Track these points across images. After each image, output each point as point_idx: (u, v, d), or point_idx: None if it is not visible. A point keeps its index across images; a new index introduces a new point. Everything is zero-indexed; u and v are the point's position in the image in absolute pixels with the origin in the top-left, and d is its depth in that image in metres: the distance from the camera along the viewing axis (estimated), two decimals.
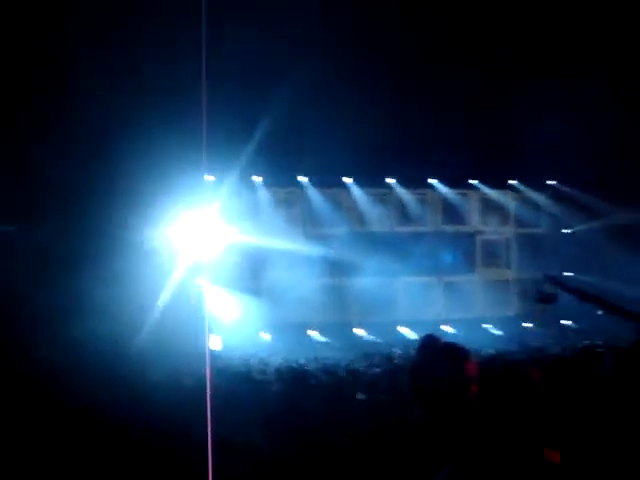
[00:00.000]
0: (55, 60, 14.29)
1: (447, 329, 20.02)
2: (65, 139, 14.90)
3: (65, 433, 6.69)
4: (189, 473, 5.45)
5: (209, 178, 19.10)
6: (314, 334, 20.21)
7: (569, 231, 23.70)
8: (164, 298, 15.93)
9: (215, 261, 18.92)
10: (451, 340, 3.25)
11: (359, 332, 20.71)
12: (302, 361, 13.92)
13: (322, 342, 19.34)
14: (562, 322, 21.95)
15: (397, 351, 15.29)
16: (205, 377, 11.15)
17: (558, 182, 23.56)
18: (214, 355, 16.61)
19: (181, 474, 5.60)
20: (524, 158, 20.68)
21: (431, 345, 3.03)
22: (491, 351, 13.97)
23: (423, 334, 3.40)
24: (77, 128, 14.90)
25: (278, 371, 12.71)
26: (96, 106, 14.42)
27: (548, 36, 17.60)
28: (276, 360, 14.98)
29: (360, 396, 8.71)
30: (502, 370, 2.80)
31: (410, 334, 20.35)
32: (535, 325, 21.59)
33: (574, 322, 21.01)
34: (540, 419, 2.61)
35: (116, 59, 14.77)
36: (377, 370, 11.88)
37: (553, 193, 23.98)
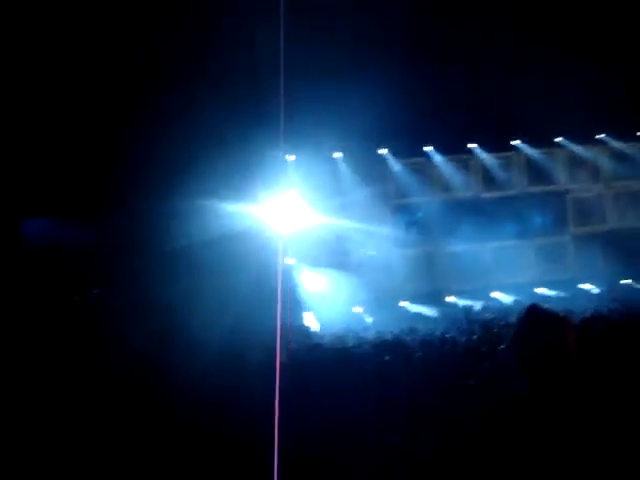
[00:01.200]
0: (149, 52, 14.62)
1: (543, 291, 19.66)
2: (157, 125, 15.24)
3: (166, 421, 6.80)
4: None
5: (290, 158, 19.26)
6: (406, 305, 20.18)
7: None
8: (254, 278, 16.21)
9: (303, 239, 19.10)
10: (552, 307, 3.18)
11: (452, 300, 20.57)
12: (397, 333, 13.91)
13: (415, 312, 19.29)
14: None
15: (492, 316, 15.13)
16: (300, 353, 11.35)
17: None
18: (311, 332, 16.85)
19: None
20: (609, 112, 19.96)
21: (534, 315, 2.98)
22: (592, 313, 13.66)
23: (527, 304, 3.33)
24: (165, 114, 15.21)
25: (374, 345, 12.77)
26: (181, 90, 14.71)
27: None
28: (371, 333, 15.06)
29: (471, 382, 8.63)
30: (605, 334, 2.77)
31: (504, 298, 20.10)
32: (635, 281, 20.93)
33: None
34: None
35: (199, 46, 15.00)
36: (474, 337, 11.79)
37: None
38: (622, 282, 21.00)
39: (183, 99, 14.68)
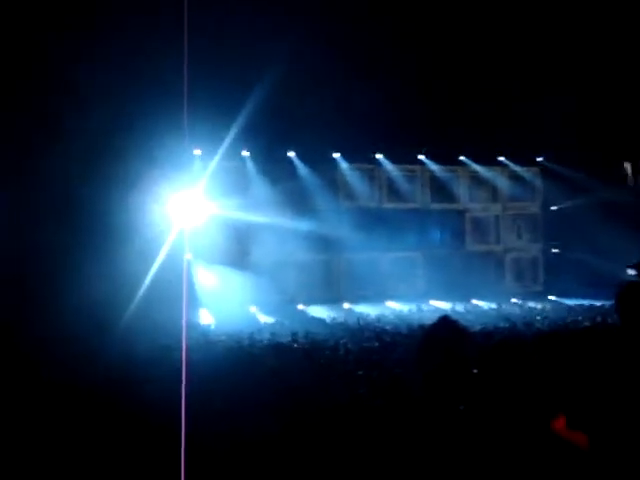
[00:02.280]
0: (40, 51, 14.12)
1: (438, 304, 20.14)
2: (52, 124, 14.76)
3: (53, 407, 6.68)
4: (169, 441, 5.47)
5: (196, 152, 19.00)
6: (304, 308, 20.22)
7: (556, 207, 23.80)
8: (152, 273, 15.90)
9: (202, 236, 18.85)
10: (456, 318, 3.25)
11: (348, 307, 20.76)
12: (291, 336, 13.91)
13: (312, 316, 19.34)
14: (551, 298, 22.21)
15: (386, 328, 15.35)
16: (193, 351, 11.19)
17: (546, 159, 23.63)
18: (205, 329, 16.63)
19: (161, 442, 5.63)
20: (513, 135, 20.69)
21: (446, 326, 3.02)
22: (484, 326, 14.10)
23: (422, 314, 3.39)
24: (62, 111, 14.73)
25: (268, 346, 12.74)
26: (79, 88, 14.26)
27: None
28: (265, 335, 15.00)
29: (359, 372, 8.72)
30: (501, 345, 2.82)
31: (399, 307, 20.47)
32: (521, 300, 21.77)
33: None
34: (537, 391, 2.63)
35: (98, 40, 14.57)
36: (367, 345, 11.94)
37: (541, 170, 24.07)
38: (512, 300, 21.77)
39: (86, 90, 14.24)
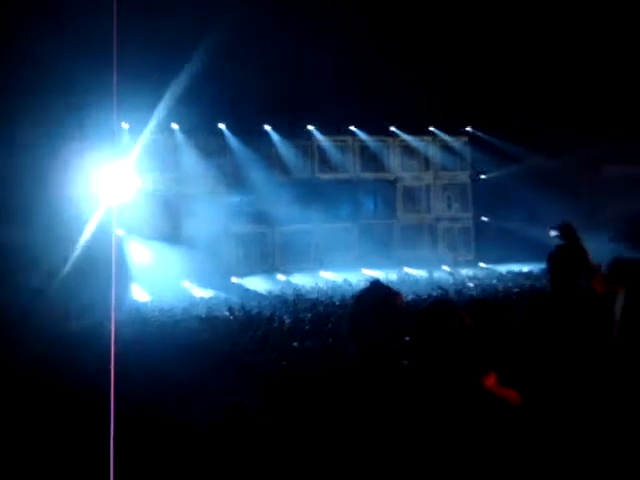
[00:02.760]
0: None
1: (371, 273, 20.34)
2: None
3: None
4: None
5: (124, 126, 18.60)
6: (238, 281, 20.18)
7: (485, 176, 24.25)
8: (79, 252, 15.58)
9: (133, 211, 18.54)
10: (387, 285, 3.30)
11: (282, 278, 20.81)
12: (227, 310, 13.86)
13: (247, 289, 19.31)
14: (483, 265, 22.72)
15: (320, 298, 15.44)
16: (125, 327, 11.05)
17: (474, 129, 24.00)
18: (139, 305, 16.44)
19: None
20: (440, 105, 20.92)
21: (368, 291, 3.07)
22: (416, 294, 14.32)
23: (370, 280, 3.42)
24: None
25: (203, 320, 12.66)
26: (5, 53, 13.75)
27: None
28: (201, 309, 14.92)
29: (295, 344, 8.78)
30: (433, 309, 2.87)
31: (333, 277, 20.62)
32: (453, 268, 22.16)
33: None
34: (471, 352, 2.69)
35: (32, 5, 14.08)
36: (302, 316, 11.99)
37: (470, 139, 24.44)
38: (444, 268, 22.15)
39: (11, 56, 13.75)
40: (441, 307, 2.83)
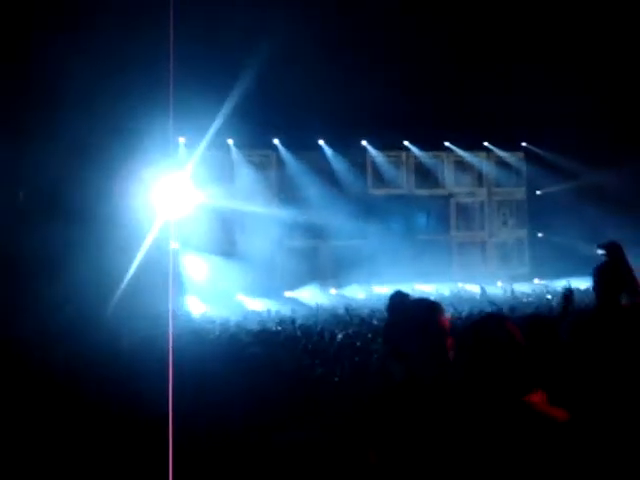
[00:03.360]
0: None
1: (423, 287, 20.21)
2: (29, 107, 14.64)
3: (41, 404, 6.62)
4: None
5: (180, 140, 18.94)
6: (292, 295, 20.27)
7: (541, 192, 23.92)
8: (136, 263, 15.86)
9: (189, 224, 18.82)
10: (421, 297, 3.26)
11: (334, 292, 20.83)
12: (279, 324, 13.93)
13: (300, 303, 19.37)
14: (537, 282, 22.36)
15: (373, 313, 15.37)
16: (180, 340, 11.18)
17: (530, 144, 23.73)
18: (193, 318, 16.64)
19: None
20: (496, 120, 20.77)
21: (401, 302, 3.04)
22: (470, 311, 14.15)
23: (392, 292, 3.40)
24: (40, 95, 14.62)
25: (256, 335, 12.75)
26: (59, 70, 14.14)
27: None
28: (253, 323, 15.02)
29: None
30: (480, 323, 2.84)
31: (386, 292, 20.49)
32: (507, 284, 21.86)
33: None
34: (519, 369, 2.66)
35: (81, 22, 14.45)
36: (354, 330, 11.96)
37: (526, 154, 24.16)
38: (498, 284, 21.86)
39: (70, 76, 14.12)
40: (490, 322, 2.80)
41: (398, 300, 2.99)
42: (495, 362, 2.61)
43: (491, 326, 2.77)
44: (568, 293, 4.63)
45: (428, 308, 2.99)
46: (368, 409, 3.07)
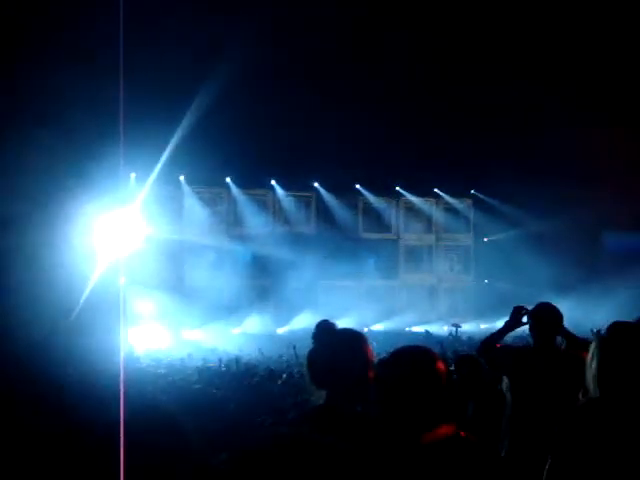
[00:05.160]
0: None
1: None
2: None
3: None
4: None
5: (130, 175, 18.88)
6: (236, 332, 20.16)
7: (487, 239, 24.39)
8: (84, 297, 15.61)
9: (136, 260, 18.65)
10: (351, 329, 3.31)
11: (281, 332, 20.78)
12: (223, 361, 13.84)
13: (244, 342, 19.26)
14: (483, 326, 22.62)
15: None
16: (121, 376, 11.02)
17: (478, 191, 24.23)
18: (134, 355, 16.41)
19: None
20: (447, 167, 21.17)
21: (327, 329, 3.09)
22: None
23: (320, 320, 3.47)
24: None
25: (198, 371, 12.64)
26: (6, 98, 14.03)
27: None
28: (197, 361, 14.87)
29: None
30: (411, 354, 2.87)
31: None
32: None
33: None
34: (439, 404, 2.71)
35: (36, 50, 14.41)
36: (297, 371, 11.96)
37: (474, 202, 24.65)
38: (444, 328, 22.06)
39: (21, 102, 14.03)
40: (414, 351, 2.85)
41: (325, 327, 3.02)
42: (407, 392, 2.66)
43: (419, 359, 2.82)
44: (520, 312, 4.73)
45: (355, 337, 3.05)
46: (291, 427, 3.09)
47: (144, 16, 13.12)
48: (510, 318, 4.70)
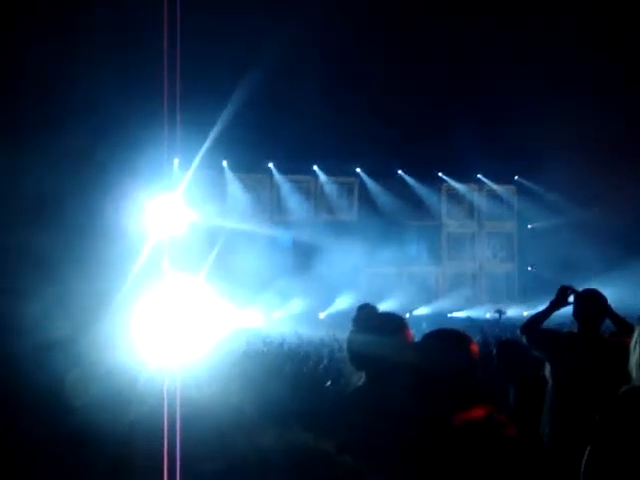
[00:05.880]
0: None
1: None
2: (24, 125, 14.72)
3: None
4: None
5: (174, 161, 19.06)
6: (278, 316, 20.32)
7: (531, 226, 24.12)
8: (129, 282, 15.80)
9: (180, 244, 18.85)
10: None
11: (323, 316, 20.89)
12: (265, 347, 13.96)
13: (289, 326, 19.39)
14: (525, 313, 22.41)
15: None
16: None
17: (522, 178, 23.97)
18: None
19: None
20: (492, 154, 20.97)
21: (368, 314, 3.13)
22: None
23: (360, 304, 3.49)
24: (34, 113, 14.71)
25: (244, 354, 12.77)
26: (56, 85, 14.24)
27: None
28: (240, 345, 15.01)
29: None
30: (444, 337, 2.90)
31: None
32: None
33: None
34: (472, 386, 2.73)
35: (75, 37, 14.59)
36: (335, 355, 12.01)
37: (518, 188, 24.39)
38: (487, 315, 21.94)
39: (67, 96, 14.25)
40: (448, 334, 2.88)
41: (366, 311, 3.07)
42: (443, 375, 2.69)
43: (453, 341, 2.85)
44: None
45: (395, 320, 3.09)
46: (335, 410, 3.14)
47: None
48: (556, 297, 4.67)
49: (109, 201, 15.67)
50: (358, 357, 2.98)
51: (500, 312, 19.66)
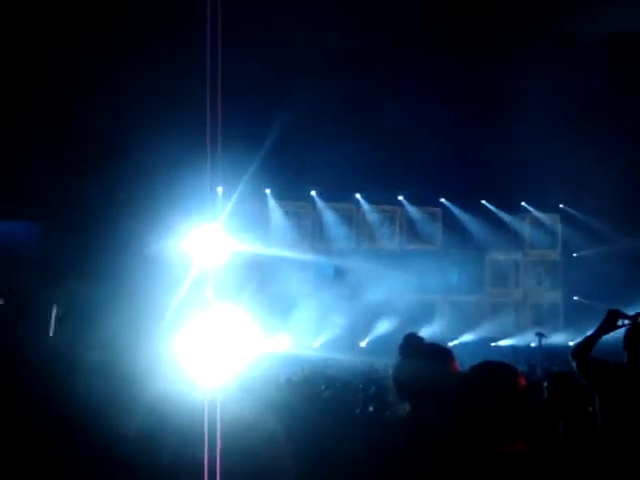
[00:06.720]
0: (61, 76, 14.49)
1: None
2: (75, 150, 15.07)
3: None
4: None
5: (218, 190, 19.25)
6: (319, 344, 20.30)
7: (576, 255, 23.77)
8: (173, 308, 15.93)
9: (222, 273, 18.96)
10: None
11: (363, 345, 20.80)
12: (308, 374, 13.90)
13: (329, 356, 19.33)
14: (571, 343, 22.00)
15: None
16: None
17: (567, 206, 23.69)
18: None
19: None
20: (535, 181, 20.81)
21: (415, 344, 3.12)
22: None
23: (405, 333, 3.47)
24: (86, 140, 15.05)
25: (288, 382, 12.74)
26: (104, 118, 14.57)
27: None
28: (283, 374, 14.97)
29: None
30: (491, 370, 2.89)
31: None
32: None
33: None
34: (509, 420, 2.70)
35: (123, 71, 14.92)
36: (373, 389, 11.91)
37: (562, 216, 24.10)
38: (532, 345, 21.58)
39: (111, 126, 14.58)
40: (493, 368, 2.86)
41: (412, 342, 3.06)
42: (490, 408, 2.67)
43: (500, 374, 2.83)
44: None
45: (442, 352, 3.08)
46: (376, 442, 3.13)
47: (232, 24, 13.47)
48: (604, 321, 4.57)
49: (156, 231, 15.93)
50: (404, 386, 2.97)
51: (540, 335, 19.25)
